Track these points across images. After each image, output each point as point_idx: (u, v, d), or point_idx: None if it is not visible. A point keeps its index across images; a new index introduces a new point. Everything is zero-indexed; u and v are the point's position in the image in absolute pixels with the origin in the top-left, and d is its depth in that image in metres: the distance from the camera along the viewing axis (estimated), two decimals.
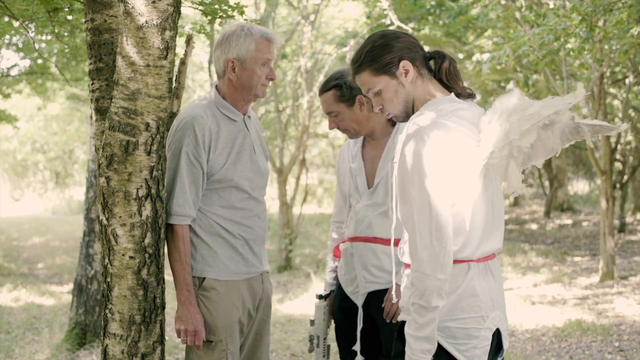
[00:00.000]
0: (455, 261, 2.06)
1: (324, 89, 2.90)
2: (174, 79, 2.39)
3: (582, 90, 1.98)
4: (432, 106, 2.09)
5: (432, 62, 2.17)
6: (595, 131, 2.11)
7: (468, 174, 2.02)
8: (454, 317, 2.06)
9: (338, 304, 3.07)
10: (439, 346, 2.05)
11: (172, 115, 2.59)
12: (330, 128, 2.94)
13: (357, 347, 2.95)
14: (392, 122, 2.98)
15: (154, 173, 2.37)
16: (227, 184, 2.60)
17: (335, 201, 3.21)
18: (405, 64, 2.09)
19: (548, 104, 1.96)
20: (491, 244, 2.12)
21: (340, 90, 2.86)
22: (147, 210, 2.36)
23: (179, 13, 2.29)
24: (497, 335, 2.14)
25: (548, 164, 14.34)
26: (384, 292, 2.87)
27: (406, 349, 2.05)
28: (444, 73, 2.14)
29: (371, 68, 2.11)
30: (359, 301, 2.94)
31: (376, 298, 2.90)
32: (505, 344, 2.19)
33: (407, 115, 2.15)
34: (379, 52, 2.10)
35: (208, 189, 2.60)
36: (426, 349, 2.01)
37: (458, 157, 2.00)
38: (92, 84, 2.54)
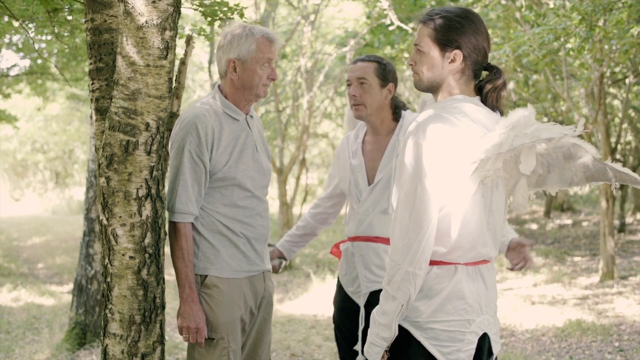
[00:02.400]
0: (442, 262, 2.05)
1: (366, 59, 2.98)
2: (174, 78, 2.39)
3: (582, 124, 1.97)
4: (449, 102, 2.10)
5: (485, 73, 2.16)
6: (621, 179, 2.10)
7: (464, 174, 2.01)
8: (438, 319, 2.05)
9: (339, 304, 3.07)
10: (422, 347, 2.04)
11: (172, 115, 2.59)
12: (350, 94, 2.97)
13: (358, 347, 2.95)
14: (396, 119, 3.00)
15: (154, 173, 2.37)
16: (230, 182, 2.61)
17: (326, 186, 3.28)
18: (457, 54, 2.09)
19: (547, 129, 1.95)
20: (483, 250, 2.10)
21: (382, 68, 2.95)
22: (147, 210, 2.36)
23: (179, 13, 2.30)
24: (487, 341, 2.13)
25: None
26: None
27: (369, 330, 2.08)
28: (488, 87, 2.12)
29: (434, 31, 2.10)
30: (360, 301, 2.94)
31: (378, 297, 2.89)
32: (496, 349, 2.17)
33: (426, 88, 2.15)
34: (450, 26, 2.09)
35: (211, 187, 2.61)
36: (383, 335, 2.04)
37: (458, 155, 1.99)
38: (92, 84, 2.54)
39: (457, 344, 2.05)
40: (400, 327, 2.07)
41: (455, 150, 1.99)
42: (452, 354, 2.04)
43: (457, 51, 2.08)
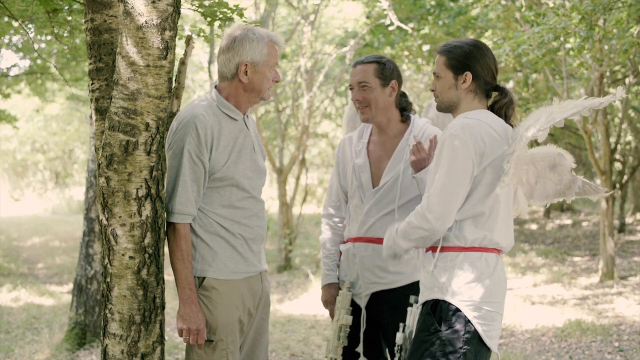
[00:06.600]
0: (486, 249, 2.39)
1: (365, 61, 2.94)
2: (173, 79, 2.40)
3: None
4: (471, 113, 2.47)
5: (495, 93, 2.54)
6: (583, 191, 2.60)
7: (493, 170, 2.36)
8: (490, 300, 2.35)
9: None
10: (475, 331, 2.32)
11: (172, 115, 2.59)
12: (353, 99, 2.93)
13: (360, 348, 2.94)
14: (404, 121, 2.97)
15: (154, 173, 2.37)
16: (228, 182, 2.60)
17: (330, 194, 3.12)
18: (467, 75, 2.46)
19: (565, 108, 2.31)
20: (507, 240, 2.46)
21: (381, 67, 2.92)
22: (146, 210, 2.36)
23: (179, 13, 2.30)
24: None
25: None
26: (387, 292, 2.87)
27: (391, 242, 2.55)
28: (498, 106, 2.51)
29: (448, 59, 2.50)
30: (362, 302, 2.93)
31: (379, 299, 2.89)
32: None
33: (446, 108, 2.54)
34: (460, 53, 2.48)
35: (208, 187, 2.60)
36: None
37: (490, 150, 2.35)
38: (92, 84, 2.54)
39: (494, 324, 2.37)
40: (450, 304, 2.34)
41: (488, 146, 2.35)
42: (491, 331, 2.36)
43: (467, 73, 2.46)
